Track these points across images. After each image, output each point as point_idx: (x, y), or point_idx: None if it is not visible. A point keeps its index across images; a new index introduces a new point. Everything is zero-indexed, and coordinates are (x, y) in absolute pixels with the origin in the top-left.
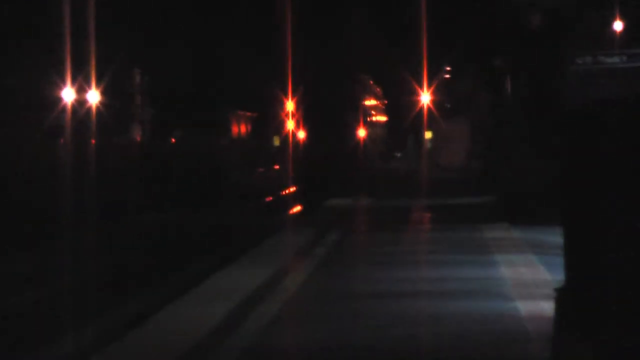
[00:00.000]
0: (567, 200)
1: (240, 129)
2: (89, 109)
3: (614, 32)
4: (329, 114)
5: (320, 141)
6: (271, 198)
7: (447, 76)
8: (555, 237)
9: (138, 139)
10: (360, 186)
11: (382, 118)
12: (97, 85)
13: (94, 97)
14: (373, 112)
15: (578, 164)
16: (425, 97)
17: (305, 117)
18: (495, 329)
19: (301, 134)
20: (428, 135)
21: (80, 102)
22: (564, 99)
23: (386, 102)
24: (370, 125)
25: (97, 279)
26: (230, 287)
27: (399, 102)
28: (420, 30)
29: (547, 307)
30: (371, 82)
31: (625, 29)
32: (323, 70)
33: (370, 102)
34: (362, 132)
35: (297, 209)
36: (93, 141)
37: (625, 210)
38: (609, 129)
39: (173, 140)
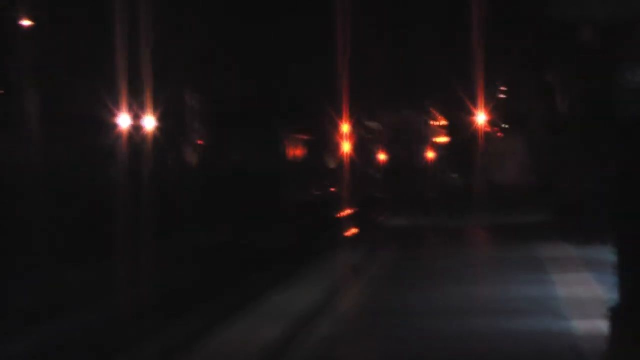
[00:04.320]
0: (620, 213)
1: (295, 151)
2: (144, 133)
3: None
4: (399, 135)
5: (393, 160)
6: (329, 217)
7: (502, 96)
8: (612, 255)
9: (191, 160)
10: (418, 206)
11: (444, 139)
12: (153, 109)
13: (150, 122)
14: (435, 134)
15: (631, 174)
16: (481, 117)
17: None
18: (551, 348)
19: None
20: (483, 153)
21: (135, 127)
22: (617, 111)
23: (444, 122)
24: (434, 146)
25: (158, 294)
26: (287, 305)
27: (456, 123)
28: (475, 48)
29: (603, 326)
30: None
31: None
32: (388, 92)
33: (434, 123)
34: (430, 154)
35: (354, 229)
36: (149, 164)
37: None
38: None
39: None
